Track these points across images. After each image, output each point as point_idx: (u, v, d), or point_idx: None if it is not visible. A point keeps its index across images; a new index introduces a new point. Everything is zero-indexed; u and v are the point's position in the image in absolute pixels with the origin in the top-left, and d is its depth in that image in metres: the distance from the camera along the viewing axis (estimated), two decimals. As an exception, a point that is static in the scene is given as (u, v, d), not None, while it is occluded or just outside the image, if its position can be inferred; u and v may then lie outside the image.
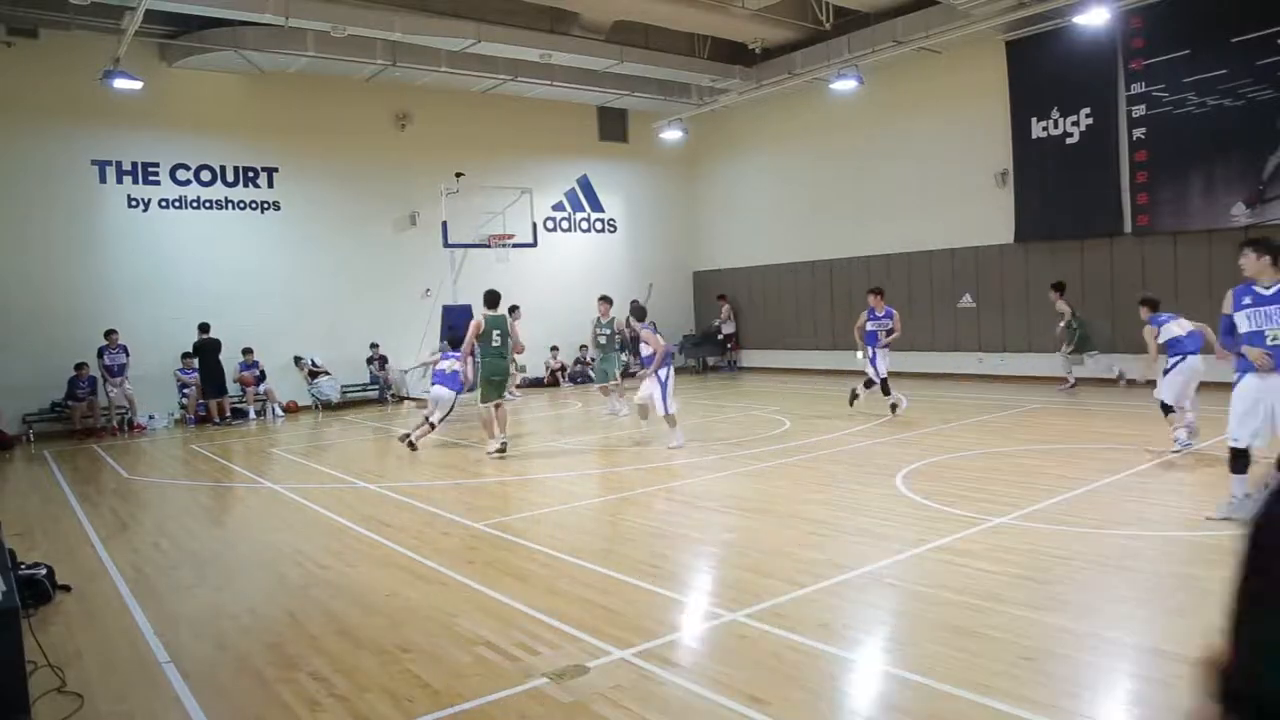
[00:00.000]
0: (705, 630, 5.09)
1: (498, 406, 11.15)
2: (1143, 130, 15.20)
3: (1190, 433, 9.14)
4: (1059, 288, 15.78)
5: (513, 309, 17.56)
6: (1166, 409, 9.11)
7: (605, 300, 15.31)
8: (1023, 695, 3.95)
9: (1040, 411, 13.14)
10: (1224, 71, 14.11)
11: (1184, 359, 9.06)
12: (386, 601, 5.76)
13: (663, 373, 10.98)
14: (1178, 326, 9.31)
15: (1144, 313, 9.72)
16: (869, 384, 13.16)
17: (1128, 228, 15.59)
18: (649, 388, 11.14)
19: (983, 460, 9.69)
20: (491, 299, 11.46)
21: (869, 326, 13.12)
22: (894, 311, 13.19)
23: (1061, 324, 15.57)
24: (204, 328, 16.47)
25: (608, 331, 15.00)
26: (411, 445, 11.65)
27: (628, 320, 17.11)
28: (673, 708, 4.04)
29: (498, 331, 11.16)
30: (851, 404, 13.36)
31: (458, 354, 12.23)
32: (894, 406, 12.91)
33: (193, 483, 10.87)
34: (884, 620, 5.15)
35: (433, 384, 12.60)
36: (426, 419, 12.08)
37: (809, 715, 3.94)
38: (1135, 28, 15.05)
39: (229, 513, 9.37)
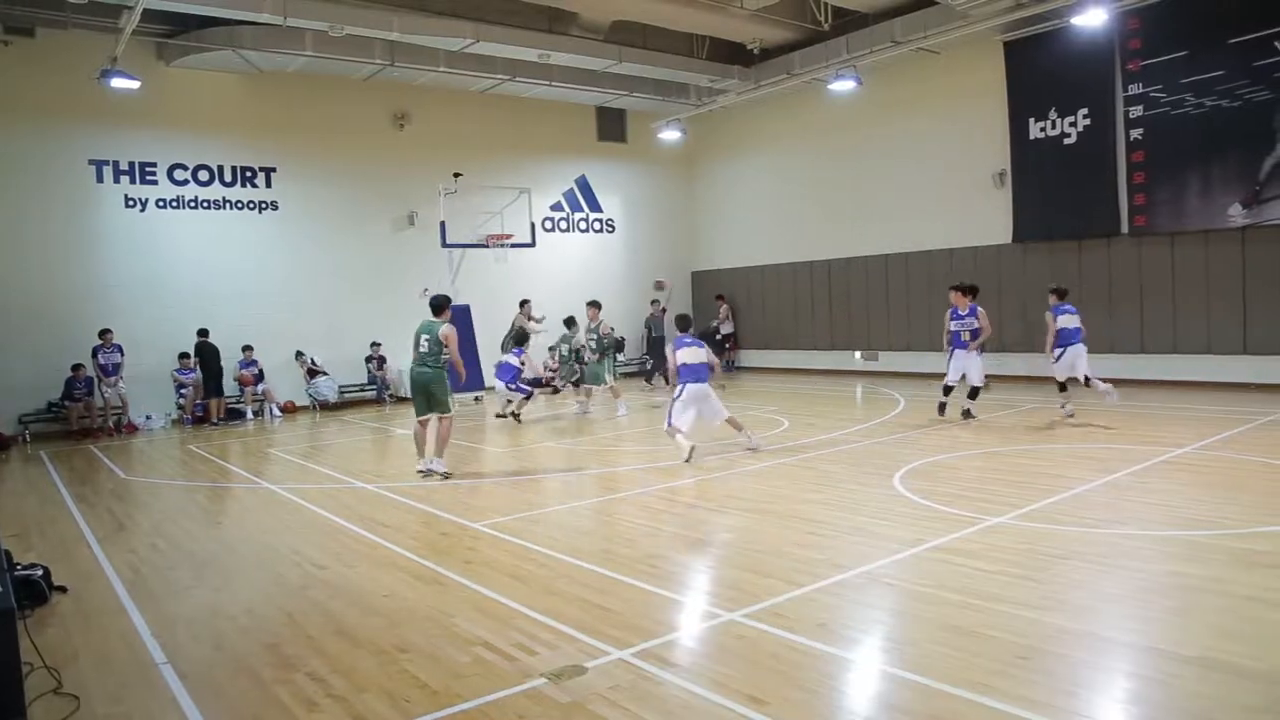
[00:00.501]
0: (703, 630, 5.09)
1: (423, 423, 10.03)
2: (1140, 131, 15.23)
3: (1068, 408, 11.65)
4: (972, 292, 15.92)
5: (523, 303, 17.67)
6: (1062, 386, 11.78)
7: (594, 305, 15.37)
8: (1020, 694, 3.96)
9: (1037, 411, 13.13)
10: (1221, 72, 14.14)
11: (1066, 347, 11.80)
12: (384, 602, 5.76)
13: (678, 389, 10.45)
14: (1067, 319, 11.90)
15: (1052, 300, 11.76)
16: (972, 392, 12.30)
17: (1125, 228, 15.61)
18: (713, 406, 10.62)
19: (980, 460, 9.70)
20: (434, 305, 10.08)
21: (952, 326, 12.29)
22: (979, 309, 12.11)
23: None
24: (203, 333, 16.50)
25: (595, 336, 15.05)
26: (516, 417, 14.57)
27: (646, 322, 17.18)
28: (671, 708, 4.04)
29: (426, 337, 9.80)
30: (966, 417, 12.26)
31: (520, 350, 14.74)
32: (942, 407, 12.34)
33: (190, 483, 10.86)
34: (882, 620, 5.15)
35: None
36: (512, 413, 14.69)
37: (807, 715, 3.93)
38: (1133, 28, 15.07)
39: (226, 513, 9.35)
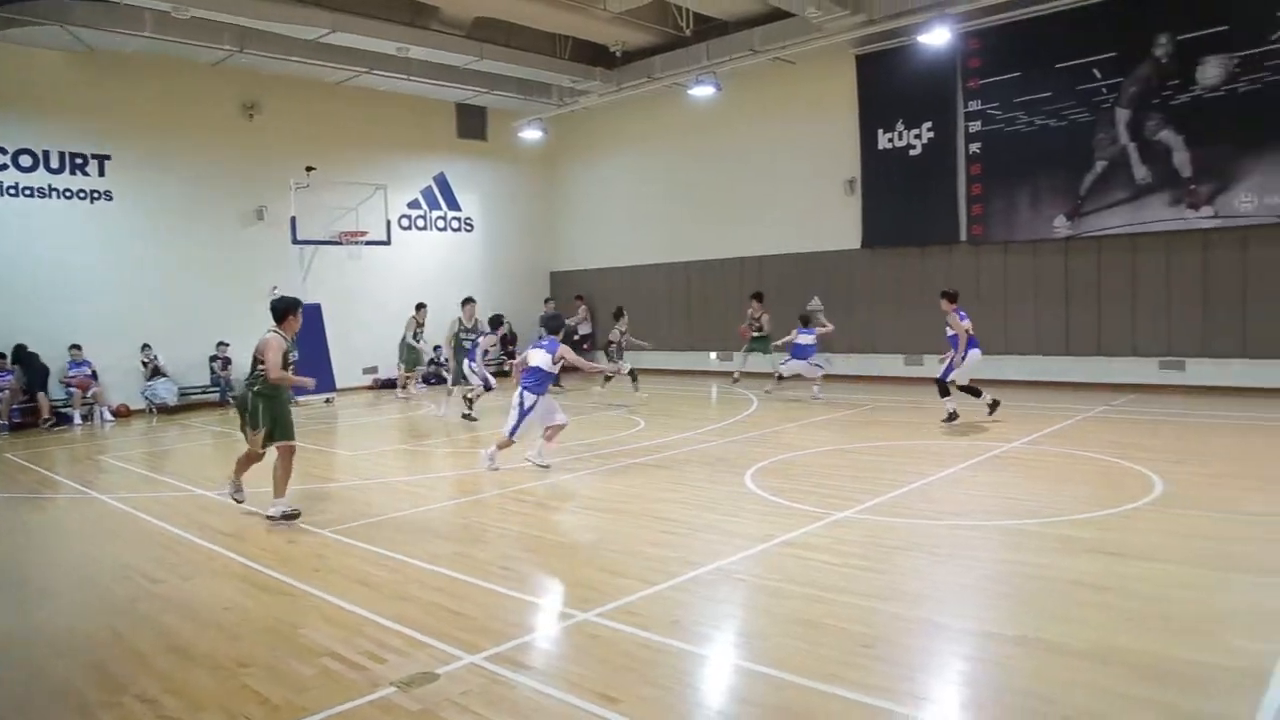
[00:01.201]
0: (557, 631, 5.07)
1: (278, 451, 7.94)
2: (978, 145, 16.17)
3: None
4: (759, 297, 16.68)
5: (420, 306, 17.43)
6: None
7: (470, 302, 14.97)
8: (864, 682, 4.12)
9: (881, 410, 13.75)
10: (1049, 94, 15.20)
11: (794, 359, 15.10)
12: (224, 614, 5.48)
13: (529, 398, 9.42)
14: (804, 338, 15.08)
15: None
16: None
17: (963, 236, 16.53)
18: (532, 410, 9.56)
19: (827, 457, 10.07)
20: (273, 310, 8.09)
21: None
22: (958, 313, 11.82)
23: (755, 331, 16.56)
24: (20, 347, 15.42)
25: (473, 336, 14.65)
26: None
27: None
28: (522, 710, 4.01)
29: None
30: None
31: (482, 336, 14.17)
32: (992, 406, 11.84)
33: (5, 494, 10.00)
34: (733, 615, 5.27)
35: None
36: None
37: (660, 711, 3.97)
38: (973, 48, 15.99)
39: (47, 526, 8.68)
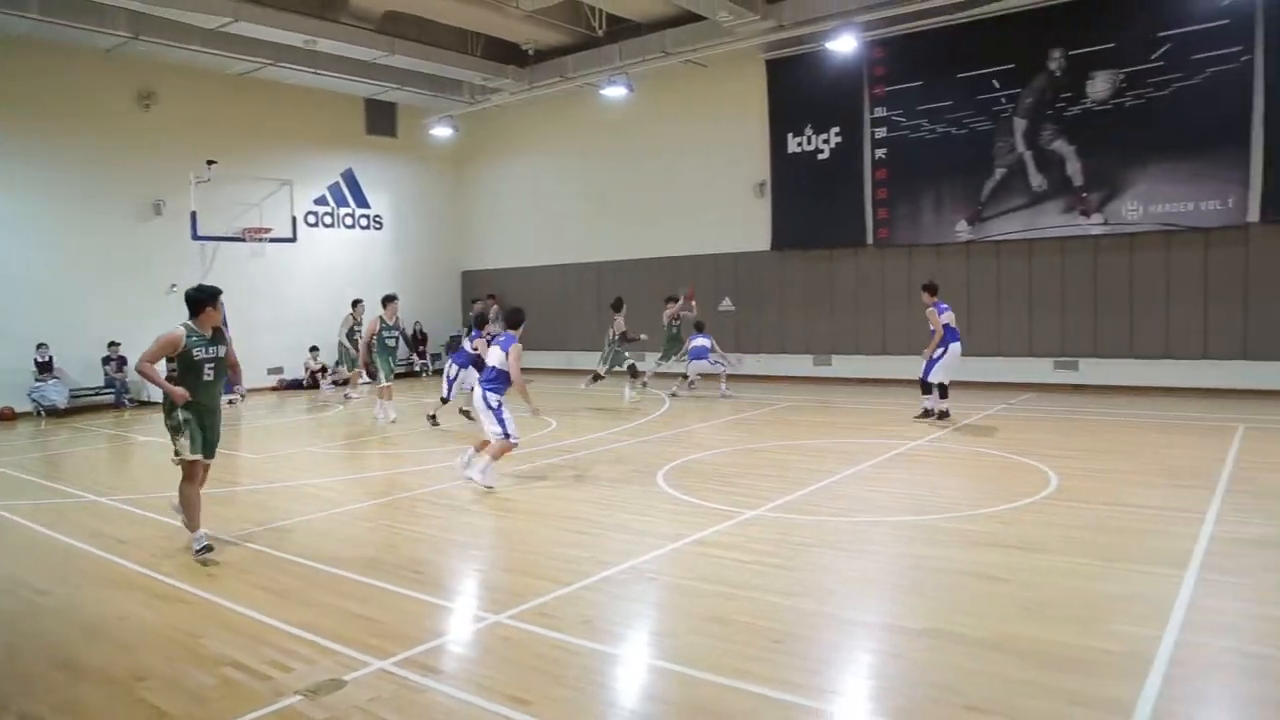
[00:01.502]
0: (469, 634, 5.03)
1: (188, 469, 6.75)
2: (884, 151, 16.61)
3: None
4: (674, 300, 16.82)
5: (355, 303, 16.90)
6: (932, 387, 11.96)
7: (393, 299, 14.45)
8: (773, 676, 4.19)
9: (791, 409, 14.01)
10: (951, 102, 15.71)
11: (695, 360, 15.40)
12: (118, 625, 5.26)
13: (493, 399, 8.86)
14: (699, 342, 15.43)
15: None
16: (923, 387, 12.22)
17: (870, 239, 16.96)
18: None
19: (738, 456, 10.21)
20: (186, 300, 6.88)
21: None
22: (936, 307, 11.86)
23: (673, 330, 16.49)
24: None
25: (396, 333, 14.24)
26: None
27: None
28: (432, 715, 3.96)
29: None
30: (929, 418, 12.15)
31: (476, 334, 12.19)
32: (944, 414, 11.99)
33: (-122, 501, 9.41)
34: (645, 613, 5.29)
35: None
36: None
37: (572, 712, 3.97)
38: (878, 57, 16.42)
39: (-75, 534, 8.19)
